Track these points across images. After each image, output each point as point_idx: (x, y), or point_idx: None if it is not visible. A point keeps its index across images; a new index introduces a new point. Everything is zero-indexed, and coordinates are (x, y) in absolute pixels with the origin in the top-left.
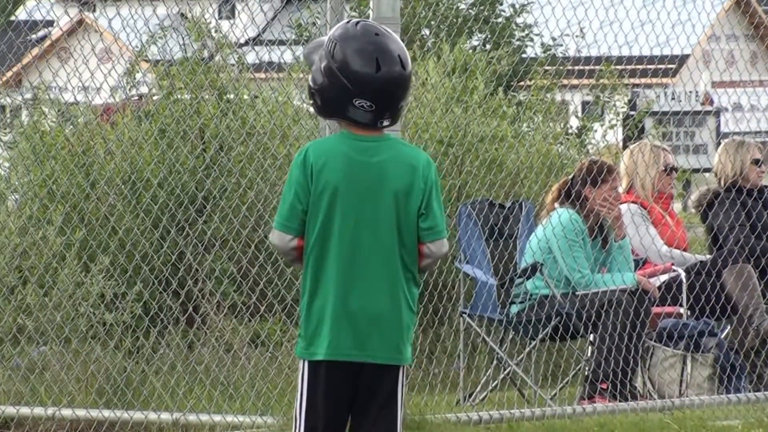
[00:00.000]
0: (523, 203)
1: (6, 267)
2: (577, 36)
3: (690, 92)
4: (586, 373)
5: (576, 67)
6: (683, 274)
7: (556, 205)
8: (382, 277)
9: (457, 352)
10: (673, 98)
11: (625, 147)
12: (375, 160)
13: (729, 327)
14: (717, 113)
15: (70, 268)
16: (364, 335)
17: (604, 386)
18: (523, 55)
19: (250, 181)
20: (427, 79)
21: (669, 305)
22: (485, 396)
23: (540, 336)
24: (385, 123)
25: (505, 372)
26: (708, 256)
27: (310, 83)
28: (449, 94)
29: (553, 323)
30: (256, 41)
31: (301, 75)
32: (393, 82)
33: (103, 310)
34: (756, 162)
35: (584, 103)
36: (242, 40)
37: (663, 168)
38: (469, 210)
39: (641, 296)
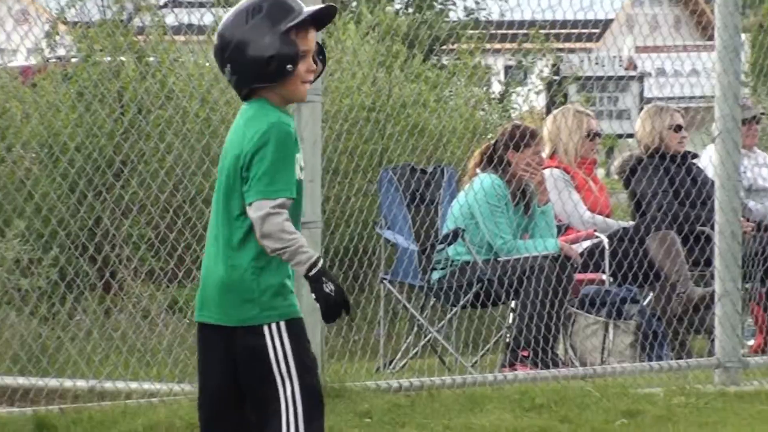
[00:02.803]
0: (445, 168)
1: None
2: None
3: (613, 57)
4: (508, 340)
5: (499, 31)
6: (606, 241)
7: (479, 170)
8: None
9: (378, 318)
10: (596, 63)
11: (548, 112)
12: None
13: (652, 294)
14: (640, 78)
15: None
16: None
17: (526, 354)
18: (446, 19)
19: (169, 145)
20: (348, 43)
21: (591, 272)
22: (405, 363)
23: (461, 303)
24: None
25: (426, 339)
26: (631, 223)
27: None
28: (371, 58)
29: (474, 290)
30: (176, 3)
31: None
32: None
33: (18, 276)
34: (676, 128)
35: (507, 68)
36: (161, 2)
37: (586, 133)
38: (390, 175)
39: (563, 263)
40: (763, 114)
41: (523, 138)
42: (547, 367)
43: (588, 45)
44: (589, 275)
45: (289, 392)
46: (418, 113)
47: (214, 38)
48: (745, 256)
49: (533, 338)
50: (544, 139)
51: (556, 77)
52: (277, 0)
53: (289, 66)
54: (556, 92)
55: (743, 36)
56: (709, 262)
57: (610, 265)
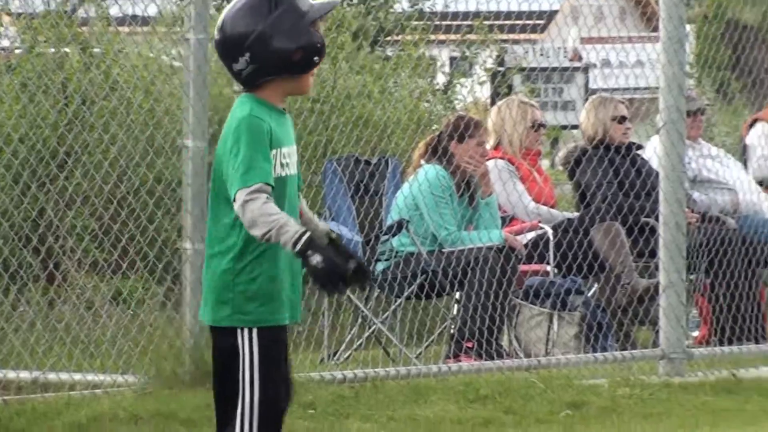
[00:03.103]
0: (389, 159)
1: None
2: None
3: (558, 48)
4: (452, 331)
5: (443, 23)
6: (550, 232)
7: (423, 161)
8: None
9: (322, 310)
10: (541, 54)
11: (493, 103)
12: None
13: (596, 285)
14: (585, 70)
15: None
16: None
17: (470, 345)
18: (390, 10)
19: (113, 136)
20: None
21: (536, 263)
22: (350, 355)
23: (405, 294)
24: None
25: (370, 330)
26: (575, 214)
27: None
28: None
29: (419, 281)
30: None
31: (164, 29)
32: None
33: None
34: (620, 119)
35: (452, 59)
36: None
37: (531, 124)
38: (334, 166)
39: (508, 254)
40: (707, 105)
41: (467, 129)
42: (492, 359)
43: (533, 36)
44: (534, 266)
45: (247, 401)
46: (362, 104)
47: (222, 27)
48: (690, 248)
49: (478, 329)
50: (489, 130)
51: (500, 68)
52: None
53: (316, 58)
54: (500, 83)
55: (688, 27)
56: (653, 254)
57: (555, 257)
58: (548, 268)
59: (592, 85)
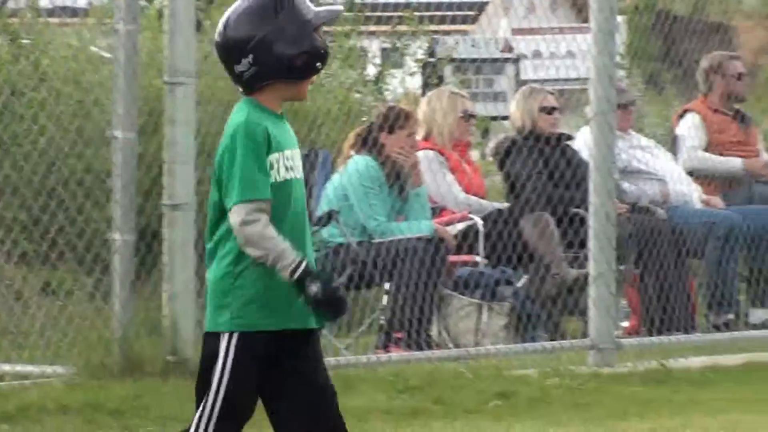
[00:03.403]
0: (319, 151)
1: None
2: None
3: (489, 39)
4: (382, 322)
5: (374, 14)
6: (480, 222)
7: (353, 152)
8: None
9: None
10: (472, 45)
11: (423, 94)
12: None
13: (526, 276)
14: (516, 61)
15: None
16: None
17: (400, 335)
18: (321, 1)
19: (42, 127)
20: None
21: (465, 253)
22: None
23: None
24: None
25: None
26: (505, 204)
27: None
28: None
29: (348, 272)
30: None
31: (94, 20)
32: None
33: None
34: (549, 110)
35: (383, 50)
36: None
37: (461, 115)
38: None
39: (437, 244)
40: (638, 96)
41: (397, 120)
42: (421, 349)
43: (463, 27)
44: (463, 257)
45: (210, 399)
46: None
47: (225, 28)
48: (619, 238)
49: (407, 320)
50: (419, 121)
51: (431, 59)
52: None
53: (318, 63)
54: (431, 74)
55: (619, 18)
56: (583, 244)
57: (485, 247)
58: (478, 258)
59: (523, 77)
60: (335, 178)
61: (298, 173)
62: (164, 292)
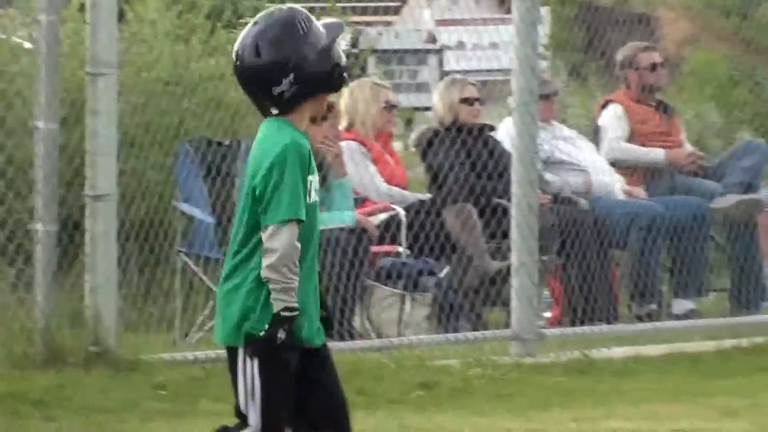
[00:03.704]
0: (242, 141)
1: None
2: None
3: (413, 30)
4: None
5: (297, 5)
6: (402, 213)
7: None
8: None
9: (173, 291)
10: (395, 36)
11: (346, 85)
12: None
13: (448, 266)
14: (439, 52)
15: None
16: None
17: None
18: None
19: None
20: (147, 15)
21: (388, 244)
22: (202, 336)
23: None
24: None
25: None
26: (428, 195)
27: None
28: (170, 31)
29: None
30: None
31: (15, 11)
32: None
33: None
34: (470, 101)
35: None
36: None
37: (383, 106)
38: (187, 148)
39: (360, 235)
40: (561, 87)
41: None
42: (344, 339)
43: (387, 18)
44: (386, 247)
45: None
46: (215, 86)
47: (256, 52)
48: (542, 229)
49: (330, 310)
50: (342, 112)
51: (354, 50)
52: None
53: (345, 74)
54: (354, 65)
55: (542, 9)
56: (505, 235)
57: (407, 238)
58: (400, 249)
59: (446, 68)
60: None
61: (318, 195)
62: (86, 282)
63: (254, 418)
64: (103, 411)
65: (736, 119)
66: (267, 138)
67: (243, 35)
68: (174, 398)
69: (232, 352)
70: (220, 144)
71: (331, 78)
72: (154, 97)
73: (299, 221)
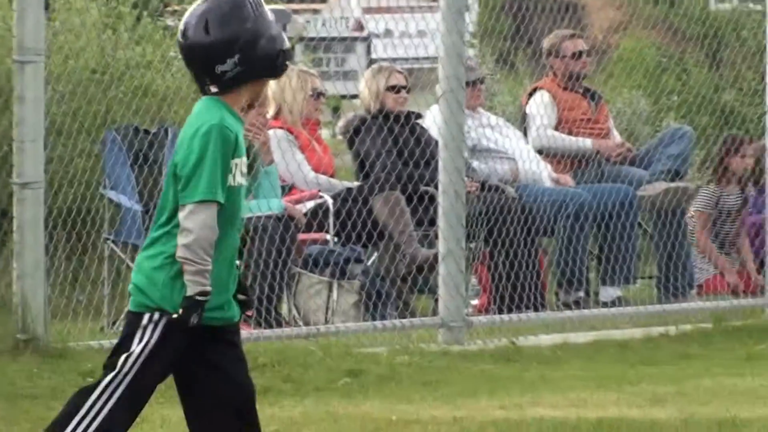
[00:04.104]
0: (169, 129)
1: None
2: None
3: (340, 18)
4: None
5: None
6: (330, 201)
7: None
8: None
9: (101, 278)
10: (323, 24)
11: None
12: None
13: (376, 254)
14: (367, 39)
15: None
16: None
17: (249, 313)
18: None
19: None
20: (75, 4)
21: (315, 231)
22: None
23: None
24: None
25: None
26: (355, 183)
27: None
28: (97, 19)
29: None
30: None
31: None
32: None
33: None
34: (396, 89)
35: None
36: None
37: (310, 93)
38: (114, 135)
39: (287, 223)
40: (488, 75)
41: None
42: (271, 327)
43: (314, 6)
44: (313, 235)
45: (117, 379)
46: (142, 74)
47: (204, 28)
48: (469, 216)
49: (257, 298)
50: (269, 100)
51: None
52: None
53: (288, 62)
54: None
55: None
56: (433, 222)
57: (335, 225)
58: (328, 236)
59: (373, 55)
60: None
61: (245, 180)
62: (14, 270)
63: (128, 366)
64: (31, 398)
65: (664, 106)
66: (197, 116)
67: (190, 11)
68: None
69: (134, 317)
70: (147, 132)
71: (275, 63)
72: (82, 85)
73: (217, 203)
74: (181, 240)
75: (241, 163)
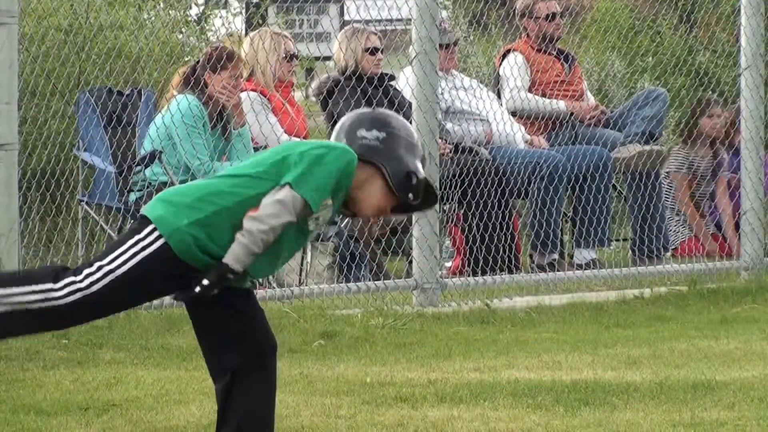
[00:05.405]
0: (142, 90)
1: None
2: None
3: None
4: None
5: None
6: None
7: (175, 92)
8: None
9: (75, 240)
10: None
11: (247, 35)
12: None
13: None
14: (340, 1)
15: None
16: None
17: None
18: None
19: None
20: None
21: None
22: None
23: None
24: None
25: None
26: None
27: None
28: None
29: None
30: None
31: None
32: None
33: None
34: (372, 50)
35: None
36: None
37: (283, 55)
38: (87, 97)
39: None
40: (462, 36)
41: (220, 60)
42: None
43: None
44: None
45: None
46: (116, 36)
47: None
48: (443, 178)
49: None
50: (242, 61)
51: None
52: None
53: None
54: (254, 15)
55: None
56: None
57: None
58: None
59: (346, 17)
60: (158, 118)
61: (313, 224)
62: None
63: (92, 278)
64: (5, 359)
65: (639, 68)
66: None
67: None
68: (76, 347)
69: (142, 220)
70: (120, 93)
71: (401, 183)
72: (56, 47)
73: (307, 207)
74: (255, 212)
75: (326, 204)
